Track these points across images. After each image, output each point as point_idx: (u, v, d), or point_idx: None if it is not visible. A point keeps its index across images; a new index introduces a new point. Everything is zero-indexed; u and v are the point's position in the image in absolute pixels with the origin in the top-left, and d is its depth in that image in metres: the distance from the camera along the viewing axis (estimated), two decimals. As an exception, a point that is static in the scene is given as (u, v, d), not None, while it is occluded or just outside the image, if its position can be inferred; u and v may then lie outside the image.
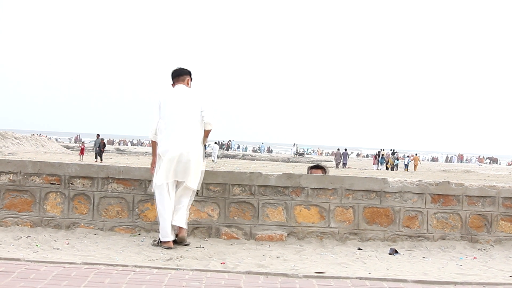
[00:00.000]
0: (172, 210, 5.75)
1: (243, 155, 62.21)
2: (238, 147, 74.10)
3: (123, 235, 6.13)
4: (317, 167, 7.20)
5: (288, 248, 5.88)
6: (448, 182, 6.43)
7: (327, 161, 54.44)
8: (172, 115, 5.81)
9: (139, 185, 6.30)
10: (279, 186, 6.30)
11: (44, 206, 6.28)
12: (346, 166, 43.98)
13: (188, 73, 6.09)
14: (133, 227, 6.26)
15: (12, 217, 6.26)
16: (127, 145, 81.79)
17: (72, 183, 6.31)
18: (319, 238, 6.23)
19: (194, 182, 5.84)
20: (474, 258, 5.83)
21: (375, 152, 57.43)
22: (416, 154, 50.01)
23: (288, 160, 57.50)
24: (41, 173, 6.31)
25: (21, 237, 5.79)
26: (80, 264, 4.57)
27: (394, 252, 5.89)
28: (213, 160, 42.53)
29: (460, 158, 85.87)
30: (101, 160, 35.07)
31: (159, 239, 5.73)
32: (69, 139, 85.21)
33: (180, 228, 5.76)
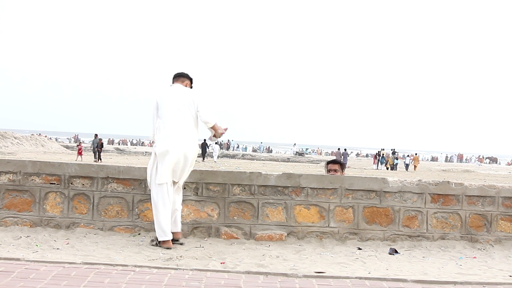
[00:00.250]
0: (171, 209, 5.76)
1: (242, 155, 62.19)
2: (238, 147, 74.08)
3: (123, 235, 6.13)
4: (334, 161, 7.19)
5: (287, 248, 5.88)
6: (448, 181, 6.44)
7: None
8: (168, 115, 5.81)
9: (139, 185, 6.30)
10: (279, 186, 6.30)
11: (44, 206, 6.28)
12: (346, 166, 43.92)
13: (189, 78, 6.13)
14: (133, 227, 6.26)
15: (12, 217, 6.26)
16: (126, 145, 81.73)
17: (72, 183, 6.31)
18: (318, 238, 6.23)
19: (183, 180, 5.92)
20: (474, 257, 5.83)
21: (374, 152, 57.44)
22: (416, 154, 50.01)
23: (288, 160, 57.48)
24: (41, 173, 6.31)
25: (20, 237, 5.79)
26: (80, 264, 4.57)
27: (394, 251, 5.89)
28: (215, 161, 42.80)
29: (460, 157, 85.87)
30: (100, 159, 35.05)
31: (157, 239, 5.73)
32: (68, 138, 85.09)
33: (176, 232, 5.81)
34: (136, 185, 6.30)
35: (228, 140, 71.64)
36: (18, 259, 4.61)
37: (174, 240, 5.77)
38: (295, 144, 71.19)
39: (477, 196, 6.39)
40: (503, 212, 6.41)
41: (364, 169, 41.33)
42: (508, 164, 79.17)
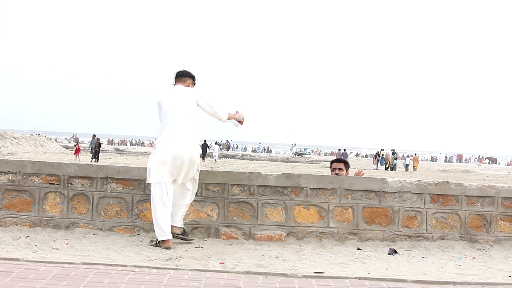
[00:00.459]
0: (171, 208, 5.76)
1: (242, 155, 62.20)
2: (237, 147, 74.08)
3: (122, 235, 6.13)
4: (339, 160, 7.20)
5: (287, 248, 5.88)
6: (447, 182, 6.44)
7: (326, 161, 54.47)
8: (169, 116, 5.83)
9: (138, 185, 6.30)
10: (278, 186, 6.30)
11: (43, 206, 6.28)
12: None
13: (191, 76, 6.13)
14: (132, 227, 6.26)
15: (11, 217, 6.26)
16: (126, 145, 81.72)
17: (71, 183, 6.31)
18: (318, 238, 6.23)
19: (187, 180, 5.87)
20: (473, 258, 5.83)
21: (374, 152, 57.46)
22: (415, 154, 50.03)
23: (287, 160, 57.50)
24: (40, 173, 6.31)
25: (20, 237, 5.79)
26: (79, 264, 4.57)
27: (393, 252, 5.89)
28: (216, 161, 42.87)
29: (459, 158, 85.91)
30: (97, 160, 35.01)
31: (156, 239, 5.73)
32: (66, 138, 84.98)
33: (173, 226, 5.82)
34: (135, 185, 6.30)
35: (227, 141, 71.62)
36: (17, 259, 4.61)
37: (178, 235, 5.81)
38: (295, 144, 71.19)
39: (477, 196, 6.39)
40: (503, 212, 6.41)
41: (364, 169, 41.16)
42: (508, 164, 79.21)
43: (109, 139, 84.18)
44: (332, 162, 7.16)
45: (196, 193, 6.07)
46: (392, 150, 49.41)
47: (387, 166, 45.48)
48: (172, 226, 5.80)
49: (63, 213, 6.27)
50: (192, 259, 5.23)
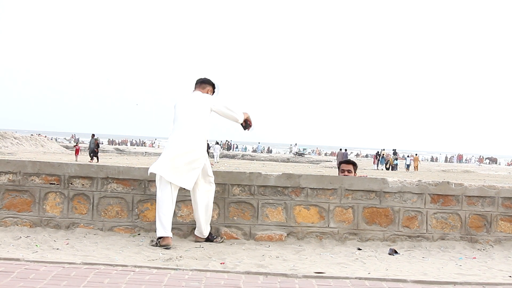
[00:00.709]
0: (172, 206, 5.77)
1: (242, 155, 62.22)
2: (237, 147, 74.09)
3: (123, 235, 6.14)
4: (348, 161, 7.19)
5: (287, 248, 5.88)
6: (448, 182, 6.44)
7: (327, 161, 54.47)
8: (180, 118, 5.96)
9: (138, 185, 6.30)
10: (279, 186, 6.31)
11: (44, 206, 6.28)
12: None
13: (211, 84, 6.25)
14: (133, 227, 6.26)
15: (11, 217, 6.26)
16: (126, 145, 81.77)
17: (71, 183, 6.31)
18: (318, 238, 6.23)
19: (188, 181, 5.84)
20: (474, 258, 5.83)
21: (374, 152, 57.46)
22: (416, 155, 50.05)
23: (287, 160, 57.53)
24: (41, 173, 6.32)
25: (20, 237, 5.79)
26: (80, 264, 4.57)
27: (394, 252, 5.90)
28: (217, 162, 42.90)
29: (460, 158, 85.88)
30: (97, 159, 35.03)
31: (157, 238, 5.73)
32: (65, 138, 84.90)
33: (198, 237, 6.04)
34: (136, 185, 6.30)
35: (227, 141, 71.61)
36: (17, 259, 4.61)
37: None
38: (295, 144, 71.17)
39: (477, 196, 6.39)
40: (503, 212, 6.41)
41: (364, 169, 41.25)
42: (508, 164, 79.20)
43: (109, 139, 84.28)
44: (341, 163, 7.14)
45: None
46: (393, 150, 49.44)
47: (387, 166, 45.48)
48: (197, 237, 6.00)
49: (64, 213, 6.27)
50: (193, 259, 5.23)
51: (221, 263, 5.07)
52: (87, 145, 40.04)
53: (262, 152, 72.15)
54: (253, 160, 55.74)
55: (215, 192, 6.13)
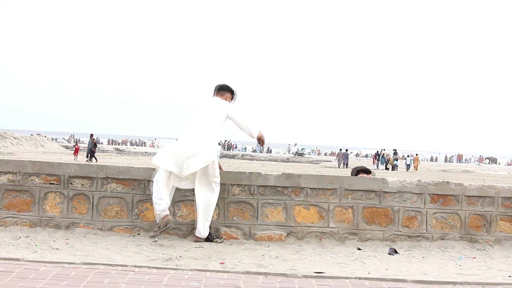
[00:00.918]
0: (168, 187, 5.89)
1: (242, 155, 62.20)
2: (236, 147, 74.04)
3: (122, 235, 6.13)
4: (365, 171, 7.26)
5: (287, 248, 5.88)
6: (448, 182, 6.44)
7: (326, 161, 54.48)
8: (194, 119, 6.07)
9: (138, 185, 6.30)
10: (278, 186, 6.31)
11: (44, 206, 6.28)
12: (348, 166, 43.97)
13: (230, 91, 6.31)
14: (132, 227, 6.26)
15: (11, 217, 6.26)
16: (126, 145, 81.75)
17: (71, 183, 6.31)
18: (318, 238, 6.23)
19: (186, 170, 5.92)
20: (473, 258, 5.83)
21: (374, 152, 57.44)
22: (416, 155, 50.04)
23: (287, 160, 57.50)
24: (41, 173, 6.32)
25: (20, 237, 5.79)
26: (79, 264, 4.57)
27: (393, 252, 5.90)
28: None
29: (459, 158, 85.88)
30: (95, 159, 35.00)
31: (158, 226, 5.96)
32: (64, 138, 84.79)
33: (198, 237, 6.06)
34: (135, 185, 6.30)
35: (225, 140, 71.59)
36: (17, 259, 4.61)
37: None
38: (295, 143, 71.14)
39: (477, 196, 6.40)
40: (503, 212, 6.41)
41: (364, 169, 41.25)
42: (508, 164, 79.24)
43: (109, 139, 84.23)
44: (358, 171, 7.20)
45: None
46: (394, 150, 49.42)
47: (387, 166, 45.47)
48: (197, 237, 6.02)
49: (63, 213, 6.27)
50: (192, 259, 5.23)
51: (220, 263, 5.07)
52: (87, 145, 40.04)
53: (261, 152, 72.10)
54: (253, 160, 55.72)
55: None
